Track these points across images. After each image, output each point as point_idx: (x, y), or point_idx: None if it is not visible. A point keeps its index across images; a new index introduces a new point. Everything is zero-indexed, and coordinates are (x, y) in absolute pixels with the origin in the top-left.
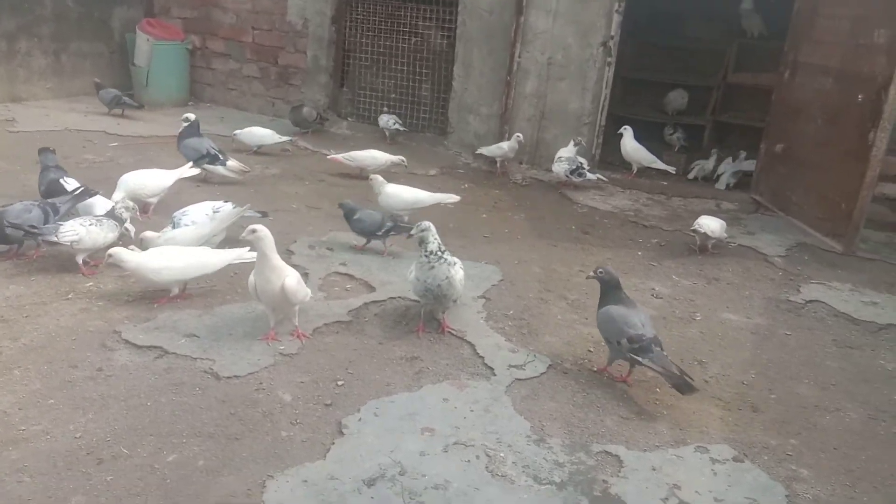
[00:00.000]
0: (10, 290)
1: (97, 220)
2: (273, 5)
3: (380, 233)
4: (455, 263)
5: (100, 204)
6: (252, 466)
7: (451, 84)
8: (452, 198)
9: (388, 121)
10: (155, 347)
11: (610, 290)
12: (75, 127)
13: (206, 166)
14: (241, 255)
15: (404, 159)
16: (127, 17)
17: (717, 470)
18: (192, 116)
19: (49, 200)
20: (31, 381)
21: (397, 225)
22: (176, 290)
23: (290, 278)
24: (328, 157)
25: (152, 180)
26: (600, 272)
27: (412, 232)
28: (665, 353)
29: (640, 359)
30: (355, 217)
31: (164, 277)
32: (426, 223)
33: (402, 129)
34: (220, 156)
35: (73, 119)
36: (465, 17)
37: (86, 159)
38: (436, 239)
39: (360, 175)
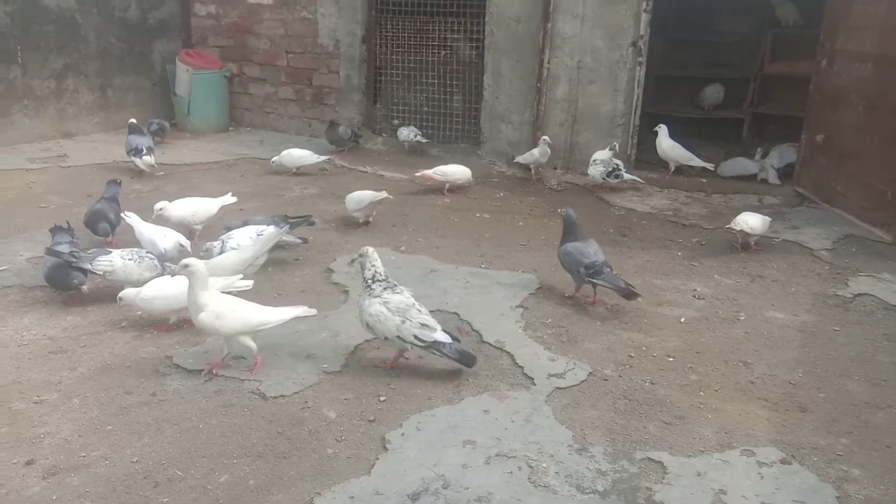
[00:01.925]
0: (68, 320)
1: (139, 256)
2: (305, 29)
3: None
4: (377, 297)
5: (158, 236)
6: (300, 484)
7: (482, 94)
8: (383, 194)
9: (408, 134)
10: (200, 370)
11: (569, 230)
12: (123, 158)
13: (132, 158)
14: (233, 282)
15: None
16: (167, 50)
17: (763, 473)
18: (133, 120)
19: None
20: (90, 408)
21: (290, 221)
22: (174, 319)
23: (205, 314)
24: (417, 174)
25: (202, 208)
26: (564, 212)
27: (353, 258)
28: (615, 273)
29: (595, 280)
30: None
31: (157, 307)
32: (364, 249)
33: (423, 140)
34: (143, 150)
35: (120, 151)
36: (493, 27)
37: (134, 189)
38: (373, 266)
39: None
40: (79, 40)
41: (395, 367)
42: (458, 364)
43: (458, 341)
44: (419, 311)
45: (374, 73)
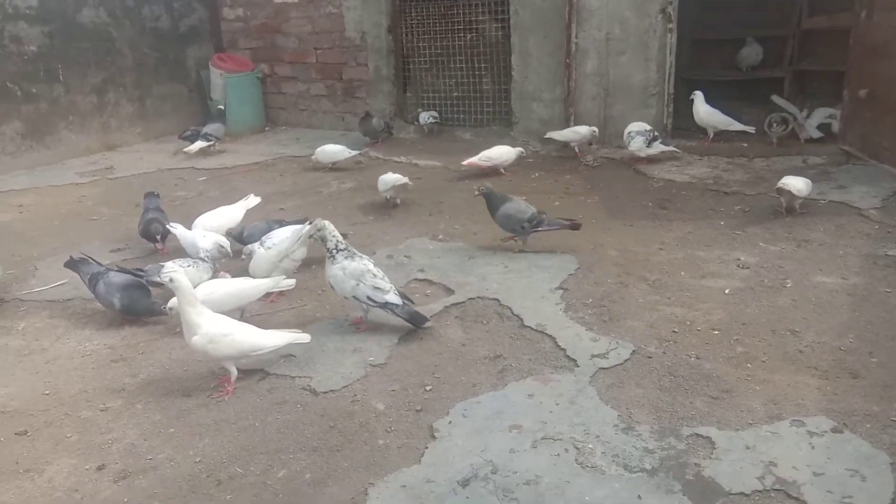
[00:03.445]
0: (126, 330)
1: (194, 263)
2: (331, 24)
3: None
4: (337, 264)
5: (198, 237)
6: (354, 476)
7: (511, 74)
8: (404, 180)
9: (426, 117)
10: (257, 370)
11: (495, 200)
12: (166, 166)
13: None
14: (278, 283)
15: (523, 151)
16: (199, 56)
17: (814, 443)
18: (221, 106)
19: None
20: (152, 413)
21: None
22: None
23: (198, 337)
24: (463, 164)
25: (226, 218)
26: (483, 190)
27: (312, 234)
28: (549, 216)
29: (539, 229)
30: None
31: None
32: (321, 223)
33: (437, 121)
34: (199, 136)
35: (162, 159)
36: (518, 6)
37: (179, 196)
38: (334, 237)
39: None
40: (115, 54)
41: (359, 325)
42: (408, 323)
43: (412, 303)
44: (374, 275)
45: (402, 62)
